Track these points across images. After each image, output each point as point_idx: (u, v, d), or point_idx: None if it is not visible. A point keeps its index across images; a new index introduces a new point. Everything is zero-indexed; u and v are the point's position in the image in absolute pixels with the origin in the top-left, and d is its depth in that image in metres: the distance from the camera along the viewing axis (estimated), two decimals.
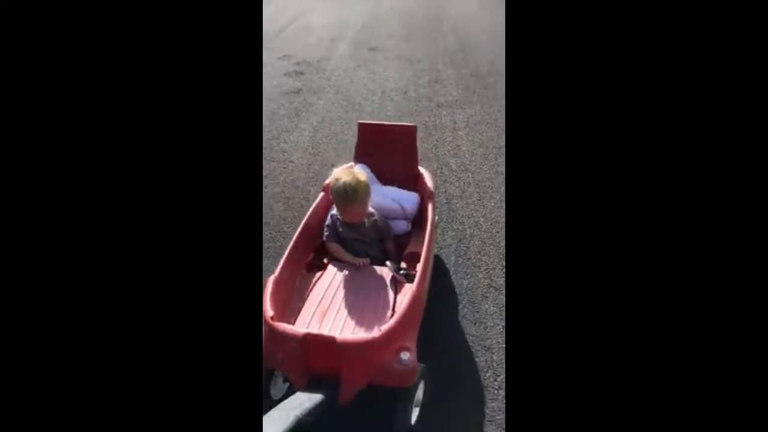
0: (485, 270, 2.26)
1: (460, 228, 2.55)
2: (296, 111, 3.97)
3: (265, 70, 4.89)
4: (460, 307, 2.07)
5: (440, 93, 4.26)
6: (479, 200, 2.77)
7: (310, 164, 3.19)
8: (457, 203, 2.75)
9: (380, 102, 4.08)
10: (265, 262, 2.29)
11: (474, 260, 2.33)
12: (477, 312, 2.03)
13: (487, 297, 2.11)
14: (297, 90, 4.41)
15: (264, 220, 2.64)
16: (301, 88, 4.46)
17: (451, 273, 2.25)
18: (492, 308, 2.05)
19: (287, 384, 1.67)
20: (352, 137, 3.51)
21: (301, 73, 4.82)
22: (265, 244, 2.46)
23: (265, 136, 3.56)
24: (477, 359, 1.83)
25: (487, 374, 1.77)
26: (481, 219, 2.62)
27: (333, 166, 3.10)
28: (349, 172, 1.86)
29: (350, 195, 1.79)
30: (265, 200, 2.82)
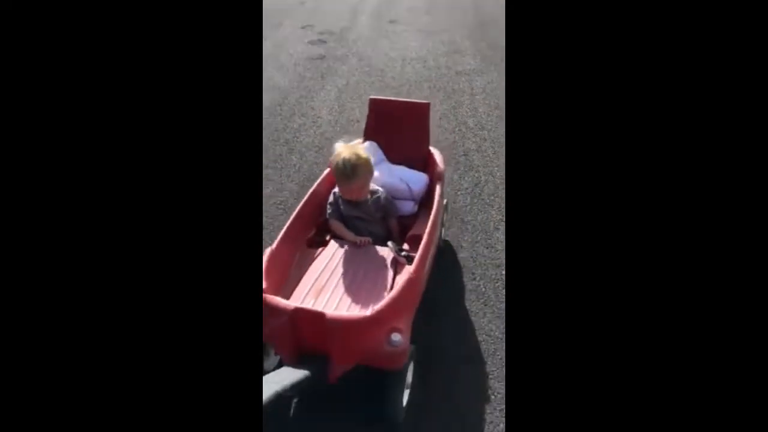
0: (497, 208, 2.60)
1: (476, 176, 2.88)
2: (322, 74, 4.30)
3: (289, 38, 5.21)
4: (474, 235, 2.41)
5: (459, 62, 4.56)
6: (494, 154, 3.10)
7: (337, 120, 3.52)
8: (473, 156, 3.08)
9: (401, 68, 4.39)
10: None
11: (488, 200, 2.66)
12: (489, 239, 2.38)
13: (498, 228, 2.45)
14: (321, 56, 4.73)
15: (299, 166, 2.98)
16: (325, 54, 4.77)
17: (467, 210, 2.59)
18: (502, 237, 2.39)
19: (279, 356, 1.71)
20: (377, 96, 3.84)
21: (324, 42, 5.13)
22: (301, 185, 2.81)
23: (293, 95, 3.90)
24: (488, 273, 2.17)
25: (497, 284, 2.12)
26: (495, 169, 2.95)
27: (358, 122, 3.44)
28: (350, 148, 1.85)
29: (348, 171, 1.78)
30: (298, 149, 3.16)
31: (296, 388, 1.32)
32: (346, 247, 1.83)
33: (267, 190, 2.78)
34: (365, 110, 3.63)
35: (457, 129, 3.39)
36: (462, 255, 2.29)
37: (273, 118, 3.55)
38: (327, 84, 4.10)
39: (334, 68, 4.44)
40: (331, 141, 3.23)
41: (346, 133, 3.22)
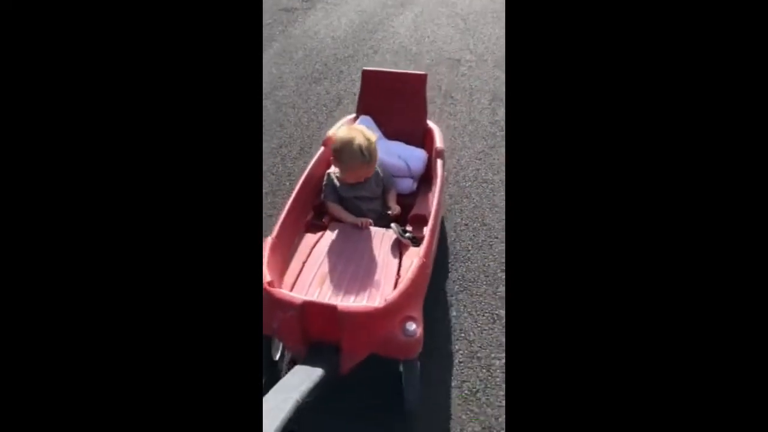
0: None
1: None
2: (402, 3, 5.47)
3: None
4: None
5: None
6: None
7: (412, 35, 4.71)
8: None
9: (470, 2, 5.48)
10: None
11: None
12: None
13: None
14: None
15: (380, 63, 4.19)
16: None
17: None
18: None
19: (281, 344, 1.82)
20: (445, 22, 4.97)
21: None
22: None
23: (377, 17, 5.11)
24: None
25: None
26: None
27: (428, 37, 4.59)
28: (358, 130, 1.95)
29: (367, 157, 1.88)
30: (380, 52, 4.39)
31: (315, 391, 1.37)
32: (347, 230, 1.92)
33: (355, 76, 4.00)
34: (438, 30, 4.82)
35: None
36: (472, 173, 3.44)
37: (360, 32, 4.77)
38: (405, 10, 5.28)
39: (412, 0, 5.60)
40: (406, 49, 4.43)
41: (419, 48, 4.40)
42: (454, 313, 2.10)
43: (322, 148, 2.18)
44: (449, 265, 2.32)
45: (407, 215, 2.04)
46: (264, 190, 2.80)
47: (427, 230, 1.85)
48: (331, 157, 2.01)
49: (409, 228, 1.94)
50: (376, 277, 1.73)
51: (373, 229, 1.93)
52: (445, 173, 2.37)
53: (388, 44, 4.53)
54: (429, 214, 1.94)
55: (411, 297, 1.60)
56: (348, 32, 4.76)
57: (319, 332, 1.53)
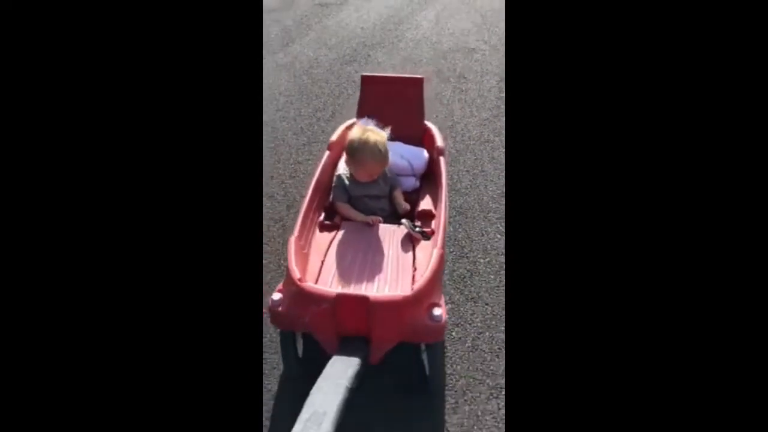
0: None
1: None
2: (426, 0, 6.14)
3: None
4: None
5: None
6: None
7: (434, 27, 5.39)
8: None
9: (490, 0, 6.13)
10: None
11: None
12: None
13: None
14: None
15: (404, 50, 4.85)
16: None
17: None
18: None
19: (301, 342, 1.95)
20: (464, 17, 5.62)
21: None
22: (405, 59, 4.66)
23: (402, 13, 5.80)
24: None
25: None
26: None
27: (449, 29, 5.23)
28: (371, 130, 2.10)
29: (384, 154, 2.06)
30: (404, 41, 5.06)
31: (359, 377, 1.47)
32: (359, 228, 2.07)
33: (381, 59, 4.67)
34: (457, 24, 5.46)
35: None
36: (471, 127, 4.06)
37: (387, 24, 5.47)
38: (429, 6, 5.96)
39: None
40: (428, 39, 5.08)
41: (440, 40, 5.04)
42: (450, 229, 2.72)
43: (328, 152, 2.38)
44: (449, 198, 2.93)
45: (413, 211, 2.23)
46: (302, 142, 3.49)
47: (439, 224, 2.02)
48: (344, 157, 2.21)
49: (417, 223, 2.13)
50: (394, 270, 1.88)
51: (384, 226, 2.10)
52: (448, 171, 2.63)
53: (411, 34, 5.20)
54: (435, 209, 2.16)
55: (434, 285, 1.76)
56: (376, 24, 5.44)
57: (350, 324, 1.64)
